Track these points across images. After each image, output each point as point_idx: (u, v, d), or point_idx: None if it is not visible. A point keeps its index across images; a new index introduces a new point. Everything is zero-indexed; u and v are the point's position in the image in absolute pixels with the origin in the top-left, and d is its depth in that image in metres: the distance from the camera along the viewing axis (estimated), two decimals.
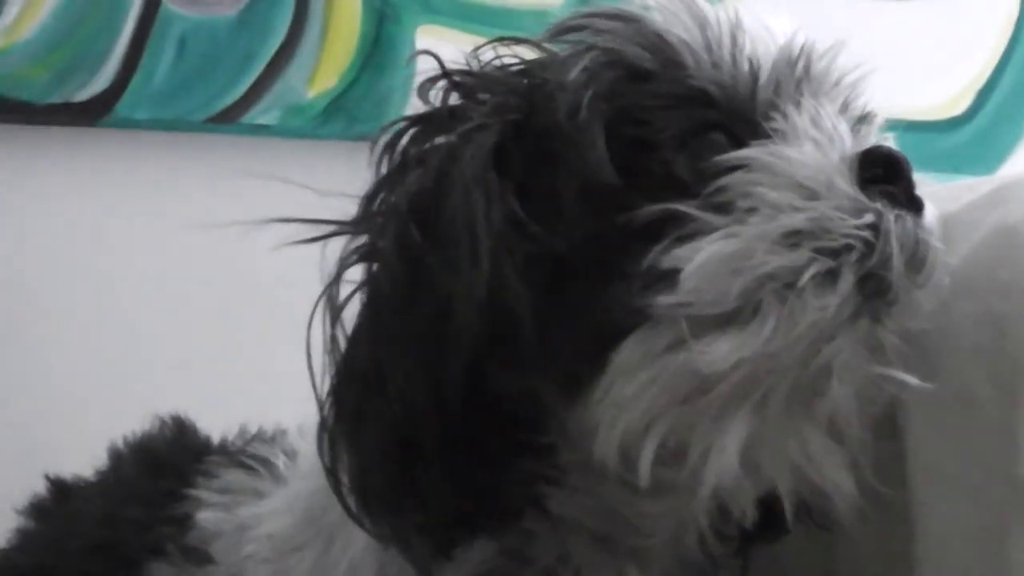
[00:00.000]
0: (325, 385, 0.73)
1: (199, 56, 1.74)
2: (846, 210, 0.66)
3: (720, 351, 0.65)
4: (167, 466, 0.99)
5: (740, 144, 0.70)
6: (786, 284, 0.65)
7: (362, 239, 0.73)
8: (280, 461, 0.92)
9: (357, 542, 0.77)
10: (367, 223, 0.73)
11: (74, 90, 1.69)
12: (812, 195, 0.67)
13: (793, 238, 0.66)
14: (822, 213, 0.66)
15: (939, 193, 0.78)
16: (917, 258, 0.67)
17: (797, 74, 0.73)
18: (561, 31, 0.76)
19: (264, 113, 1.78)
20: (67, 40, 1.68)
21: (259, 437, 0.98)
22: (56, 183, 1.70)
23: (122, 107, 1.71)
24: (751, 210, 0.67)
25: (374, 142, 0.75)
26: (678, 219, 0.67)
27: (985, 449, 0.66)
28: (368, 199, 0.73)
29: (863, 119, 0.75)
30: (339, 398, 0.72)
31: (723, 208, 0.67)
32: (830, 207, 0.66)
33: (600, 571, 0.75)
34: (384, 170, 0.74)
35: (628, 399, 0.67)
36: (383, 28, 1.81)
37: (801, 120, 0.70)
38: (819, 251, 0.65)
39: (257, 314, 1.68)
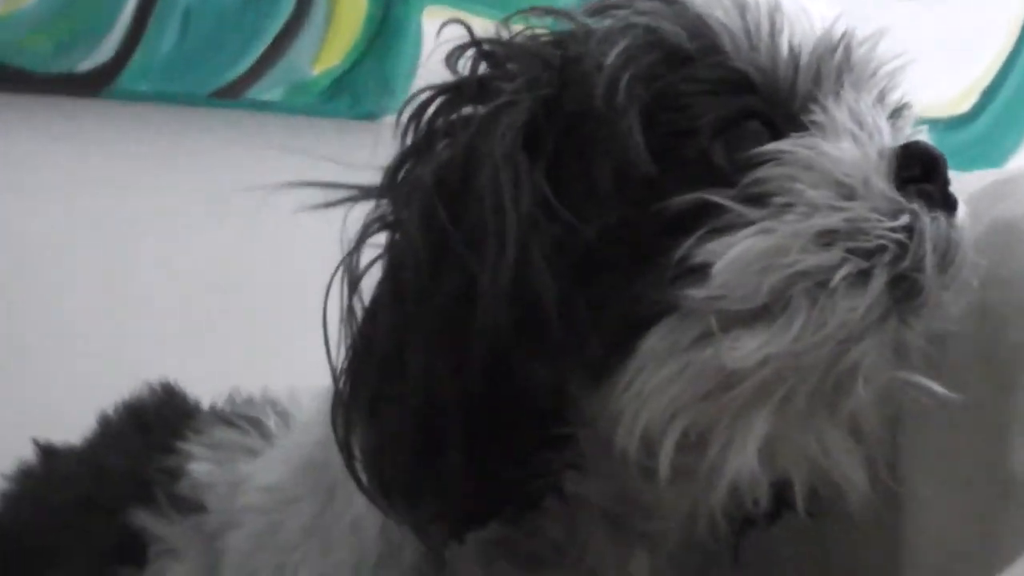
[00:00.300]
0: (340, 357, 0.72)
1: (204, 30, 1.73)
2: (883, 211, 0.66)
3: (748, 347, 0.64)
4: (156, 424, 0.99)
5: (779, 134, 0.69)
6: (818, 283, 0.64)
7: (385, 208, 0.72)
8: (272, 421, 0.92)
9: (359, 500, 0.75)
10: (391, 192, 0.72)
11: (76, 61, 1.67)
12: (849, 194, 0.66)
13: (827, 237, 0.65)
14: (858, 214, 0.66)
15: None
16: (948, 259, 0.67)
17: (837, 62, 0.72)
18: (600, 8, 0.74)
19: (268, 89, 1.77)
20: (70, 9, 1.66)
21: (249, 402, 0.97)
22: (57, 154, 1.69)
23: (125, 79, 1.70)
24: (787, 205, 0.66)
25: (401, 111, 0.73)
26: (712, 210, 0.66)
27: (977, 442, 0.65)
28: (393, 169, 0.72)
29: (899, 110, 0.75)
30: (357, 374, 0.71)
31: (759, 200, 0.67)
32: (867, 207, 0.66)
33: (608, 549, 0.75)
34: (409, 140, 0.73)
35: (653, 390, 0.66)
36: (390, 8, 1.80)
37: (840, 113, 0.70)
38: (853, 251, 0.65)
39: (260, 289, 1.68)
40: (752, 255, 0.65)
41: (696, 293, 0.65)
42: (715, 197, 0.66)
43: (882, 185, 0.67)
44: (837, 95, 0.71)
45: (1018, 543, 0.60)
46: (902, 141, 0.70)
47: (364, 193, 0.73)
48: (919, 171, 0.68)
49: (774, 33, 0.71)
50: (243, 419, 0.93)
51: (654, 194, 0.67)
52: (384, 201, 0.72)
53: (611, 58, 0.70)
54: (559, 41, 0.74)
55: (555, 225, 0.68)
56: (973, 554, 0.66)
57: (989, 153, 2.18)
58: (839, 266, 0.64)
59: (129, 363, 1.59)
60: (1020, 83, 2.25)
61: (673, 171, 0.68)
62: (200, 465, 0.91)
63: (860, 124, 0.69)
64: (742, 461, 0.66)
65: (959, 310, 0.68)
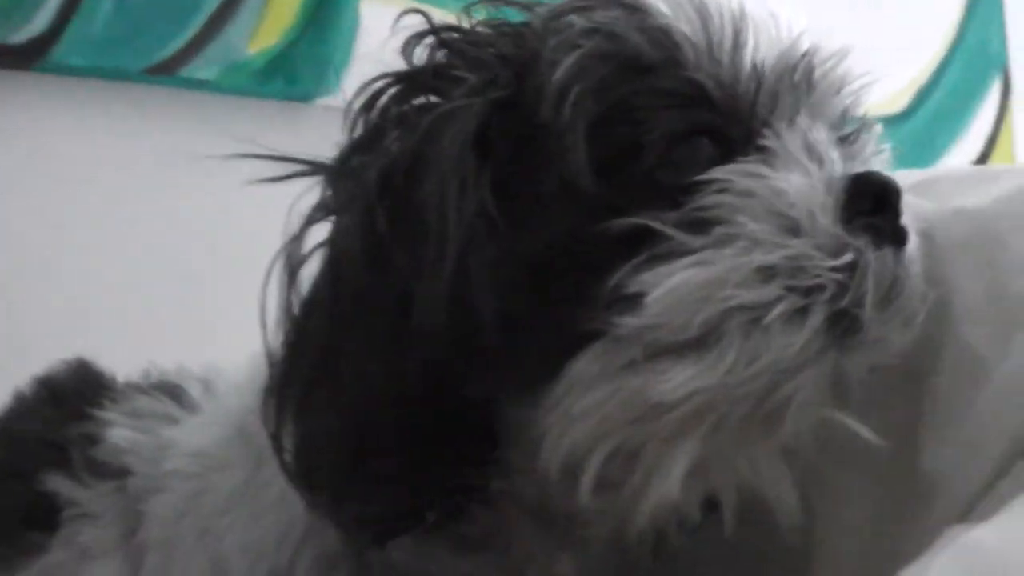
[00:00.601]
0: (276, 343, 0.70)
1: (139, 5, 1.71)
2: (825, 248, 0.64)
3: (676, 380, 0.63)
4: (71, 395, 0.97)
5: (731, 153, 0.67)
6: (753, 319, 0.63)
7: (329, 198, 0.70)
8: (194, 390, 0.90)
9: None
10: (337, 184, 0.71)
11: (9, 32, 1.65)
12: (793, 228, 0.65)
13: (767, 273, 0.64)
14: (800, 251, 0.64)
15: None
16: (892, 295, 0.66)
17: (797, 83, 0.70)
18: (561, 12, 0.72)
19: (204, 67, 1.76)
20: None
21: (166, 373, 0.96)
22: None
23: (59, 52, 1.68)
24: (728, 237, 0.65)
25: (352, 100, 0.71)
26: (653, 234, 0.65)
27: (891, 438, 0.66)
28: (341, 159, 0.71)
29: (860, 131, 0.74)
30: (290, 367, 0.70)
31: (701, 227, 0.65)
32: (809, 245, 0.64)
33: (535, 547, 0.74)
34: (360, 130, 0.71)
35: (580, 413, 0.65)
36: None
37: (792, 140, 0.68)
38: (791, 288, 0.64)
39: (192, 263, 1.67)
40: (687, 288, 0.63)
41: (628, 321, 0.64)
42: (655, 223, 0.65)
43: (826, 221, 0.65)
44: (792, 120, 0.69)
45: (926, 541, 0.61)
46: (858, 169, 0.69)
47: (311, 170, 0.71)
48: (869, 204, 0.66)
49: (737, 46, 0.69)
50: (162, 388, 0.92)
51: (596, 214, 0.65)
52: (330, 190, 0.71)
53: (562, 69, 0.68)
54: (518, 36, 0.72)
55: (497, 238, 0.67)
56: (884, 550, 0.66)
57: (922, 153, 2.20)
58: (776, 303, 0.63)
59: (55, 336, 1.59)
60: (956, 83, 2.28)
61: (618, 190, 0.66)
62: (119, 431, 0.89)
63: (812, 153, 0.67)
64: (668, 486, 0.66)
65: (903, 344, 0.67)
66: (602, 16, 0.70)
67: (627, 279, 0.64)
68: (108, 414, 0.91)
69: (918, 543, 0.61)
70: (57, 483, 0.90)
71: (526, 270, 0.67)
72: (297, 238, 0.70)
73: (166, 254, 1.70)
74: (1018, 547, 0.53)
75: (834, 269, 0.64)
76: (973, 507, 0.62)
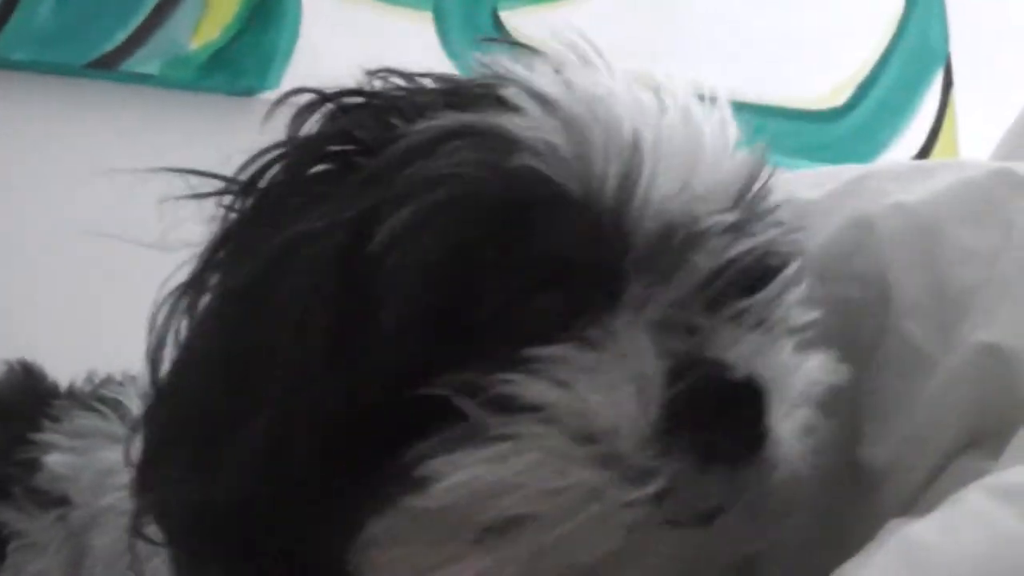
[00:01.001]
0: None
1: None
2: (628, 477, 0.57)
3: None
4: (12, 412, 0.96)
5: (586, 312, 0.61)
6: (545, 525, 0.58)
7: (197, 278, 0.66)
8: (134, 405, 0.89)
9: None
10: (204, 269, 0.66)
11: None
12: (592, 451, 0.58)
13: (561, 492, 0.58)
14: (596, 484, 0.58)
15: (804, 179, 0.80)
16: (727, 504, 0.59)
17: (687, 238, 0.63)
18: (415, 149, 0.64)
19: (145, 62, 1.75)
20: None
21: (109, 381, 0.95)
22: None
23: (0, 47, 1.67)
24: (530, 436, 0.58)
25: (240, 171, 0.67)
26: (456, 410, 0.59)
27: (832, 430, 0.66)
28: (215, 243, 0.67)
29: (776, 293, 0.66)
30: (152, 423, 0.67)
31: (509, 409, 0.59)
32: (606, 476, 0.58)
33: None
34: (243, 205, 0.67)
35: (374, 568, 0.62)
36: None
37: (620, 341, 0.60)
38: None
39: (125, 266, 1.66)
40: (473, 487, 0.58)
41: (414, 502, 0.59)
42: (458, 398, 0.59)
43: (630, 444, 0.58)
44: (643, 304, 0.61)
45: (865, 531, 0.61)
46: (735, 358, 0.60)
47: (232, 187, 0.68)
48: (707, 413, 0.58)
49: (623, 188, 0.62)
50: (103, 403, 0.91)
51: (410, 375, 0.60)
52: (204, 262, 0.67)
53: (400, 217, 0.61)
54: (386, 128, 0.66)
55: (325, 381, 0.61)
56: (822, 540, 0.67)
57: (863, 148, 2.22)
58: (569, 517, 0.57)
59: None
60: (896, 79, 2.30)
61: (441, 350, 0.60)
62: (59, 456, 0.89)
63: (640, 359, 0.59)
64: None
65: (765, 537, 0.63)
66: (455, 157, 0.63)
67: (415, 461, 0.59)
68: (47, 436, 0.91)
69: (860, 535, 0.61)
70: (3, 513, 0.89)
71: (345, 421, 0.61)
72: (163, 311, 0.67)
73: (107, 250, 1.68)
74: (956, 543, 0.53)
75: (634, 502, 0.57)
76: (916, 500, 0.63)
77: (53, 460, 0.89)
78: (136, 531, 0.68)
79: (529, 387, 0.59)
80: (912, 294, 0.68)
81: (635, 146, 0.63)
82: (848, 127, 2.23)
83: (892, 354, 0.68)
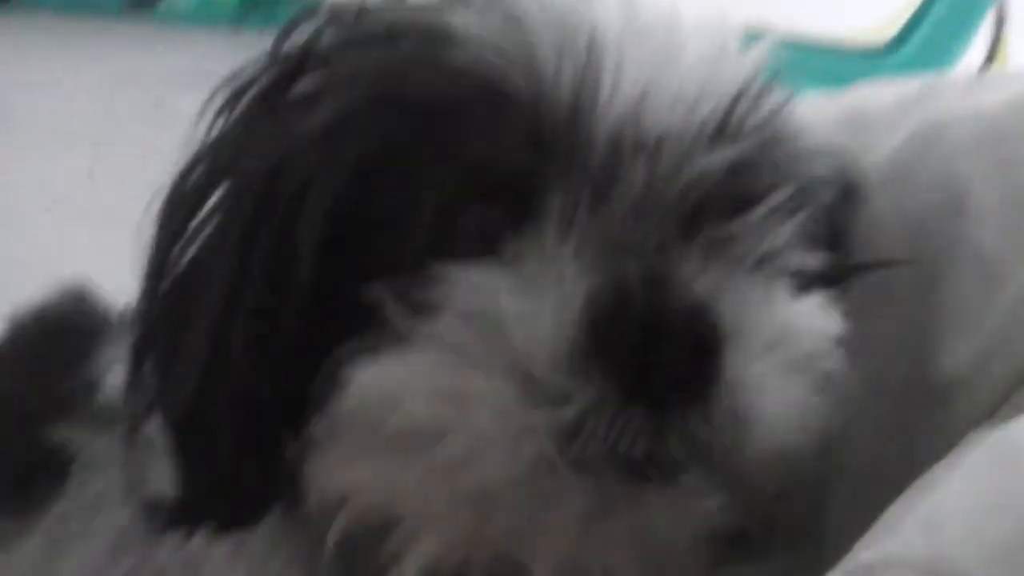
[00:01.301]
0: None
1: None
2: (535, 397, 0.54)
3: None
4: (72, 330, 0.96)
5: (512, 223, 0.58)
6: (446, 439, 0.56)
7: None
8: None
9: None
10: (180, 187, 0.67)
11: None
12: (501, 363, 0.54)
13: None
14: (502, 401, 0.54)
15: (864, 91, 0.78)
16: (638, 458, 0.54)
17: (649, 145, 0.58)
18: (350, 39, 0.64)
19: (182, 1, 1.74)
20: None
21: None
22: None
23: None
24: (437, 337, 0.56)
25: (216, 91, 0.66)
26: (377, 313, 0.57)
27: (899, 343, 0.65)
28: (190, 164, 0.66)
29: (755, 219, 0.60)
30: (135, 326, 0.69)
31: (427, 313, 0.56)
32: (507, 389, 0.54)
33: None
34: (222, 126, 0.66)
35: (320, 471, 0.61)
36: None
37: (549, 256, 0.56)
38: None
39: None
40: (381, 389, 0.57)
41: (336, 405, 0.58)
42: (385, 298, 0.57)
43: (542, 365, 0.53)
44: (584, 216, 0.57)
45: (938, 444, 0.59)
46: (679, 289, 0.55)
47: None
48: (634, 343, 0.53)
49: (581, 90, 0.58)
50: None
51: (336, 276, 0.60)
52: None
53: (327, 109, 0.61)
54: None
55: (259, 292, 0.61)
56: (891, 454, 0.65)
57: None
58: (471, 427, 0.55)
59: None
60: (946, 16, 2.25)
61: (369, 254, 0.60)
62: (120, 375, 0.89)
63: (595, 258, 0.55)
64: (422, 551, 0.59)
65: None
66: (388, 52, 0.62)
67: (342, 361, 0.58)
68: (109, 353, 0.90)
69: (934, 448, 0.59)
70: (64, 433, 0.89)
71: (276, 329, 0.61)
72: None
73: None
74: None
75: (544, 424, 0.53)
76: (996, 410, 0.61)
77: (114, 379, 0.88)
78: (133, 429, 0.69)
79: (447, 293, 0.56)
80: (986, 202, 0.67)
81: (593, 47, 0.58)
82: (896, 64, 2.18)
83: (963, 264, 0.66)
